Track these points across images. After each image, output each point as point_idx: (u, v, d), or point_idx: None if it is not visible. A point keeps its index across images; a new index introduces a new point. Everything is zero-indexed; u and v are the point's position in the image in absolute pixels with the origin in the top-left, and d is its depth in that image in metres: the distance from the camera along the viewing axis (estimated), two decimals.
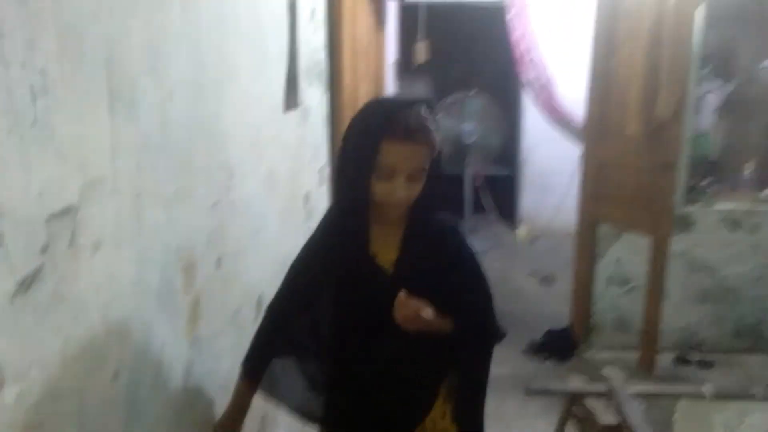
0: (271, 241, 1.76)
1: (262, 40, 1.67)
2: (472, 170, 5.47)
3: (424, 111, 1.15)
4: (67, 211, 0.78)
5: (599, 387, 1.91)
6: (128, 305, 0.95)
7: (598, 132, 3.18)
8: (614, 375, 1.92)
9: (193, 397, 1.23)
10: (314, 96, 2.46)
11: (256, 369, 1.32)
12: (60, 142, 0.76)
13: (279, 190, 1.89)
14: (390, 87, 5.41)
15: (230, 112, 1.41)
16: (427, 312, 1.13)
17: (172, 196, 1.10)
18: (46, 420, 0.75)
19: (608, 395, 1.85)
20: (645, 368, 3.07)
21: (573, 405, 1.95)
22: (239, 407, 1.31)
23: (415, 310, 1.12)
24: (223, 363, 1.39)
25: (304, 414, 1.35)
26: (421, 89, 6.81)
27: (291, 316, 1.32)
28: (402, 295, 1.12)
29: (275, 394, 1.34)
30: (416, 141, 1.12)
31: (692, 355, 3.28)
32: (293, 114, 2.10)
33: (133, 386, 0.96)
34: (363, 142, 1.12)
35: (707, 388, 1.87)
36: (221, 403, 1.36)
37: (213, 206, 1.32)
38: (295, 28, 2.06)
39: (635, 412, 1.72)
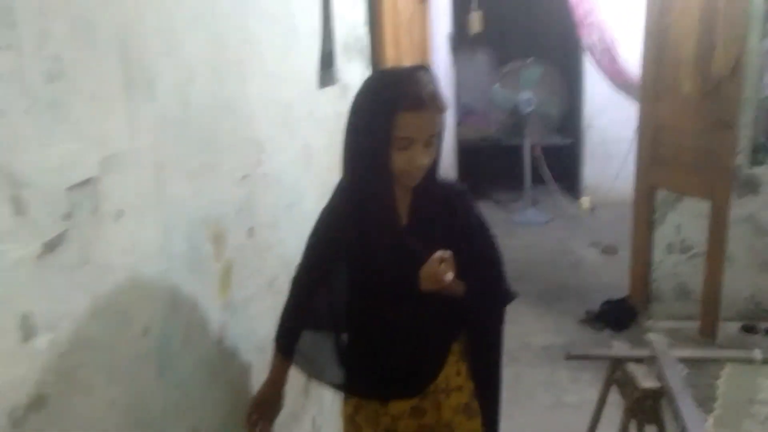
0: (309, 214, 1.83)
1: (290, 18, 1.73)
2: (531, 140, 5.36)
3: (430, 77, 1.17)
4: (88, 183, 0.87)
5: (640, 351, 1.88)
6: (155, 268, 1.04)
7: (653, 93, 3.06)
8: (658, 339, 1.88)
9: (228, 356, 1.33)
10: (355, 72, 2.50)
11: (287, 344, 1.39)
12: (77, 121, 0.85)
13: (316, 165, 1.96)
14: (441, 59, 5.37)
15: (256, 90, 1.48)
16: (450, 275, 1.17)
17: (197, 169, 1.18)
18: (78, 368, 0.85)
19: (650, 360, 1.82)
20: (706, 337, 2.96)
21: (616, 370, 1.94)
22: (275, 381, 1.40)
23: (444, 272, 1.15)
24: (260, 326, 1.48)
25: (333, 384, 1.41)
26: (478, 60, 6.71)
27: (313, 288, 1.38)
28: (441, 255, 1.15)
29: (304, 365, 1.41)
30: (430, 108, 1.15)
31: (759, 323, 3.13)
32: (330, 90, 2.16)
33: (165, 342, 1.06)
34: (377, 115, 1.14)
35: (757, 353, 1.81)
36: (258, 364, 1.46)
37: (242, 179, 1.40)
38: (329, 3, 2.11)
39: (676, 376, 1.69)
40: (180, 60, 1.13)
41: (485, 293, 1.32)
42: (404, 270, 1.22)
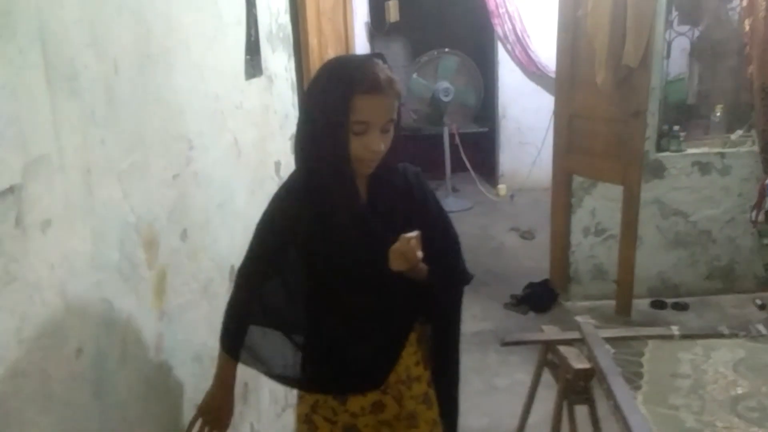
0: (241, 211, 1.77)
1: (215, 7, 1.64)
2: (450, 129, 5.46)
3: (385, 64, 1.17)
4: (10, 191, 0.78)
5: (570, 334, 1.96)
6: (86, 282, 0.95)
7: (568, 83, 3.18)
8: (585, 322, 1.97)
9: (166, 369, 1.25)
10: (280, 62, 2.42)
11: (235, 344, 1.33)
12: None
13: (245, 160, 1.88)
14: (361, 49, 5.34)
15: (184, 82, 1.39)
16: (421, 253, 1.15)
17: (126, 170, 1.09)
18: (9, 398, 0.76)
19: (580, 342, 1.90)
20: (622, 314, 3.15)
21: (548, 353, 2.01)
22: (223, 384, 1.34)
23: (414, 250, 1.13)
24: (196, 334, 1.41)
25: (284, 378, 1.37)
26: (394, 50, 6.72)
27: (261, 280, 1.32)
28: (412, 234, 1.14)
29: (254, 362, 1.35)
30: (386, 93, 1.13)
31: (668, 299, 3.36)
32: (257, 81, 2.08)
33: (99, 362, 0.98)
34: (334, 100, 1.11)
35: (674, 330, 1.93)
36: (196, 373, 1.38)
37: (173, 179, 1.31)
38: None
39: (605, 356, 1.77)
40: (104, 51, 1.03)
41: (446, 274, 1.32)
42: (370, 251, 1.20)
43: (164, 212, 1.26)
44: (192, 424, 1.32)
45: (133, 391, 1.10)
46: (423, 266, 1.22)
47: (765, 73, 2.86)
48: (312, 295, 1.29)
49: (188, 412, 1.34)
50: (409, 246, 1.14)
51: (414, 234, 1.15)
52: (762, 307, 3.25)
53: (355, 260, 1.23)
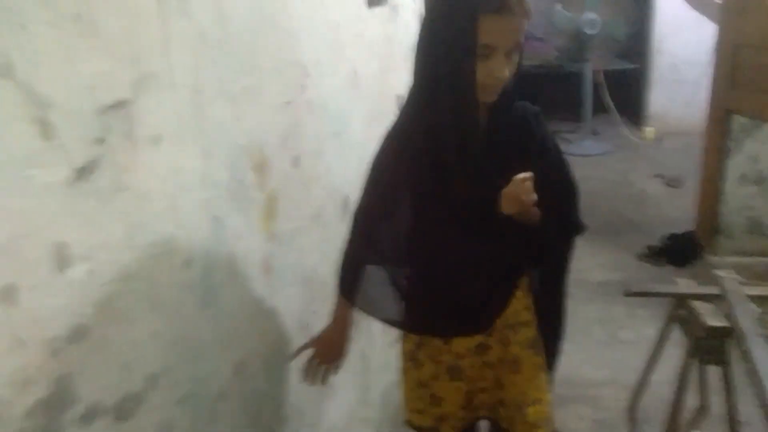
0: (357, 143, 1.77)
1: None
2: (594, 66, 5.04)
3: None
4: (121, 105, 0.82)
5: (708, 289, 1.77)
6: (196, 198, 1.00)
7: (735, 7, 2.77)
8: (728, 276, 1.76)
9: (274, 288, 1.30)
10: None
11: (351, 285, 1.33)
12: (106, 36, 0.79)
13: (365, 91, 1.86)
14: None
15: (300, 7, 1.38)
16: (534, 195, 1.08)
17: (238, 93, 1.12)
18: (118, 298, 0.83)
19: (718, 298, 1.71)
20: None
21: (680, 308, 1.84)
22: (340, 324, 1.35)
23: (528, 192, 1.07)
24: (306, 258, 1.45)
25: (392, 321, 1.35)
26: None
27: (377, 224, 1.30)
28: (524, 175, 1.07)
29: (364, 304, 1.35)
30: (515, 12, 1.04)
31: None
32: (380, 11, 2.03)
33: (207, 274, 1.04)
34: (459, 18, 1.03)
35: None
36: (305, 296, 1.44)
37: (286, 105, 1.33)
38: None
39: (748, 316, 1.58)
40: None
41: (560, 221, 1.23)
42: (483, 192, 1.13)
43: (276, 138, 1.29)
44: (300, 350, 1.37)
45: (242, 305, 1.16)
46: (536, 211, 1.14)
47: None
48: (421, 236, 1.24)
49: (295, 332, 1.40)
50: (523, 187, 1.06)
51: (528, 175, 1.06)
52: None
53: (467, 199, 1.16)
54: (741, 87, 2.83)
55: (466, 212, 1.17)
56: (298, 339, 1.39)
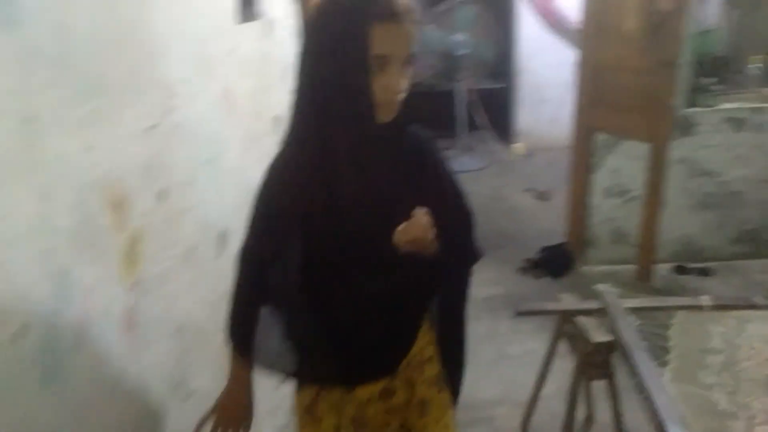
0: (233, 170, 1.62)
1: None
2: (465, 85, 5.21)
3: None
4: None
5: (590, 304, 1.81)
6: (31, 249, 0.81)
7: (594, 32, 2.95)
8: (607, 291, 1.82)
9: (140, 345, 1.11)
10: (280, 6, 2.24)
11: (245, 338, 1.18)
12: None
13: (239, 113, 1.72)
14: None
15: (163, 18, 1.22)
16: (432, 234, 1.00)
17: (84, 118, 0.94)
18: None
19: (600, 312, 1.76)
20: (643, 280, 2.99)
21: (565, 323, 1.87)
22: (240, 384, 1.20)
23: (426, 230, 0.98)
24: (177, 305, 1.27)
25: (288, 373, 1.21)
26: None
27: (266, 265, 1.15)
28: (421, 212, 0.98)
29: (258, 356, 1.20)
30: (406, 19, 0.96)
31: (691, 264, 3.19)
32: (253, 26, 1.90)
33: (49, 341, 0.84)
34: (347, 30, 0.94)
35: (705, 300, 1.78)
36: (177, 349, 1.26)
37: (148, 130, 1.16)
38: None
39: (629, 328, 1.63)
40: None
41: (458, 251, 1.17)
42: (380, 226, 1.03)
43: (137, 168, 1.11)
44: (201, 424, 1.19)
45: (97, 375, 0.97)
46: (434, 244, 1.07)
47: None
48: (316, 276, 1.11)
49: (168, 395, 1.21)
50: (420, 225, 0.98)
51: (424, 211, 0.99)
52: None
53: (363, 234, 1.06)
54: (602, 106, 3.01)
55: (362, 248, 1.07)
56: (173, 402, 1.21)
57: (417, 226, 0.98)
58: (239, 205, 1.20)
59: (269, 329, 1.18)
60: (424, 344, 1.23)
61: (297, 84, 1.03)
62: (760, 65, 3.06)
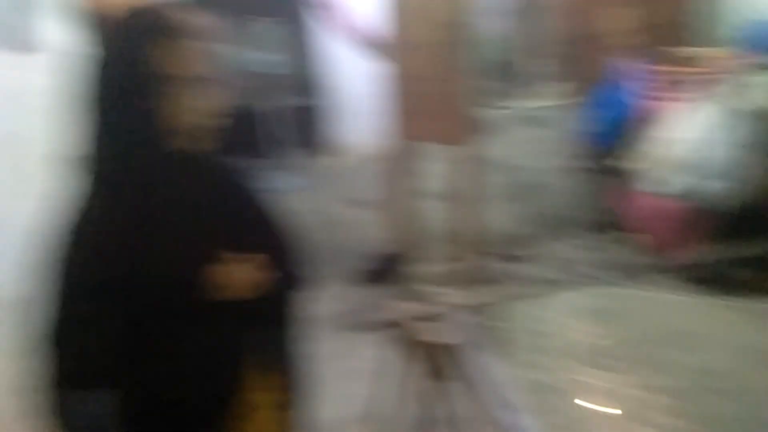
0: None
1: None
2: (274, 103, 5.13)
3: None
4: None
5: (426, 308, 1.85)
6: None
7: (402, 45, 3.12)
8: (435, 292, 1.88)
9: None
10: (54, 33, 1.97)
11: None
12: None
13: (3, 154, 1.46)
14: None
15: None
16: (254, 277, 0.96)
17: None
18: None
19: (430, 316, 1.80)
20: (472, 276, 3.15)
21: (399, 330, 1.89)
22: None
23: (248, 274, 0.94)
24: None
25: None
26: (210, 20, 6.21)
27: (75, 336, 0.96)
28: (239, 256, 0.93)
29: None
30: (195, 38, 0.95)
31: (510, 253, 3.45)
32: (18, 56, 1.65)
33: None
34: (137, 52, 0.89)
35: (522, 284, 1.90)
36: None
37: None
38: None
39: (460, 327, 1.69)
40: None
41: (284, 284, 1.13)
42: (193, 271, 0.94)
43: None
44: None
45: None
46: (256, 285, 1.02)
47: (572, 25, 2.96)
48: (130, 339, 0.97)
49: None
50: (243, 271, 0.95)
51: (242, 257, 0.95)
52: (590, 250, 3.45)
53: (174, 282, 0.95)
54: (412, 114, 3.16)
55: (175, 298, 0.96)
56: None
57: (234, 272, 0.93)
58: (11, 257, 0.99)
59: (89, 411, 0.99)
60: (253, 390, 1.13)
61: (83, 117, 0.92)
62: (543, 68, 3.43)
